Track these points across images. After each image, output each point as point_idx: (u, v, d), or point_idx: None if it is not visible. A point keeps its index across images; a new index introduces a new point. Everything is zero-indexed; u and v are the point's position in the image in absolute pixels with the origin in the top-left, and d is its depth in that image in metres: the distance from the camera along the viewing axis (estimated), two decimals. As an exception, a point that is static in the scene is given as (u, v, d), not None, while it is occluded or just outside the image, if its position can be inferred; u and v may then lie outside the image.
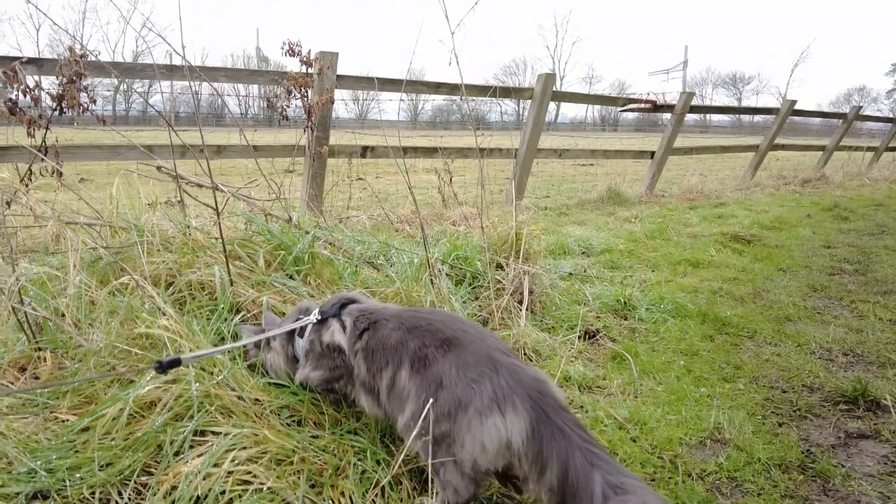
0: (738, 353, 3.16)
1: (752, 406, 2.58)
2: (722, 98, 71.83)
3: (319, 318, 2.02)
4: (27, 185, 3.51)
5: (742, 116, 49.33)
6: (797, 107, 11.18)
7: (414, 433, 1.67)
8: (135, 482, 1.68)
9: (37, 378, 2.19)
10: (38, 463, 1.68)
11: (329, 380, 2.01)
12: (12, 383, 2.15)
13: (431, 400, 1.66)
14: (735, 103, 69.97)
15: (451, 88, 7.08)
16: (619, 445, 2.22)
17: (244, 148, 5.32)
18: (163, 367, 1.62)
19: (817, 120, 29.79)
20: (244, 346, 2.14)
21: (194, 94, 2.91)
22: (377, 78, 6.63)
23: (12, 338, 2.31)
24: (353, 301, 2.08)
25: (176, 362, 1.64)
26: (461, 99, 3.69)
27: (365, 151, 6.48)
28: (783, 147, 12.17)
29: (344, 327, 1.97)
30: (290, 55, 3.69)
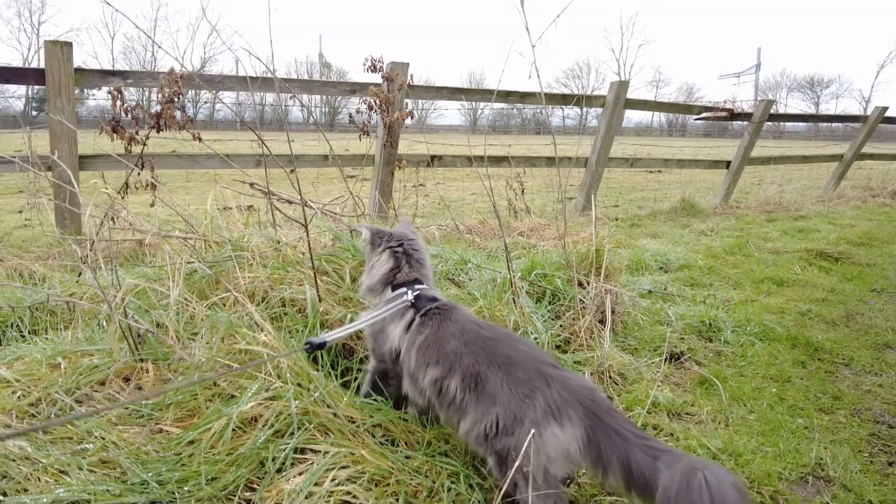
0: (835, 382, 2.99)
1: (856, 441, 2.44)
2: (798, 103, 68.49)
3: (412, 301, 2.09)
4: (123, 198, 3.69)
5: (819, 123, 46.79)
6: (888, 113, 10.52)
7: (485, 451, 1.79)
8: (239, 497, 1.74)
9: (140, 388, 2.29)
10: (150, 475, 1.75)
11: (376, 351, 2.20)
12: (118, 393, 2.25)
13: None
14: (812, 108, 66.69)
15: (522, 96, 7.03)
16: (714, 478, 2.14)
17: (315, 157, 5.48)
18: (312, 348, 1.86)
19: (905, 126, 27.96)
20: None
21: (283, 106, 3.00)
22: (446, 87, 6.70)
23: (116, 348, 2.43)
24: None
25: (322, 345, 1.88)
26: (542, 112, 3.66)
27: (433, 160, 6.54)
28: (871, 156, 11.51)
29: (410, 324, 2.05)
30: (372, 71, 3.75)
